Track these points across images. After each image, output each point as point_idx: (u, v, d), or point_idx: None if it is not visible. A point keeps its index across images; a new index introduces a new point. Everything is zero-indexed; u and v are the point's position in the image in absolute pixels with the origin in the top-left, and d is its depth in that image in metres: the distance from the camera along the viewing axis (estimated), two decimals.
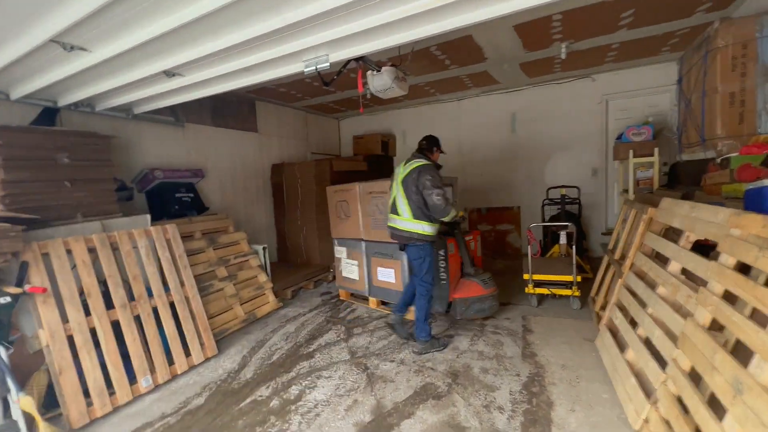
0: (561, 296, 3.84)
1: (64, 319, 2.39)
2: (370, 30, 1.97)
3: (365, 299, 4.25)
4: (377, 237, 3.92)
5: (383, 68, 3.03)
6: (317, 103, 6.19)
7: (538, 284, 3.76)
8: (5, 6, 1.67)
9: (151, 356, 2.73)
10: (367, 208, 3.98)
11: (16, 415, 2.00)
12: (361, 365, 2.86)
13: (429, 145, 3.11)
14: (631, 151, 4.12)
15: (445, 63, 4.46)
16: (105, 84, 2.69)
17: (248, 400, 2.50)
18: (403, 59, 3.32)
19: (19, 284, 2.22)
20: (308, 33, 2.04)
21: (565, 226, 4.17)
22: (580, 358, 2.73)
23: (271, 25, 1.84)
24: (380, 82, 3.07)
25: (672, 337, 1.90)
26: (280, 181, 5.71)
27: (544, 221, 5.17)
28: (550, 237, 5.06)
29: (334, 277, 5.31)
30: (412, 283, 3.22)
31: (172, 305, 3.00)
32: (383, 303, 4.11)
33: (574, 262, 3.56)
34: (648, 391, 1.95)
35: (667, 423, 1.70)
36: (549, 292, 3.74)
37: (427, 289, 2.97)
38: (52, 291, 2.37)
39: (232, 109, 5.21)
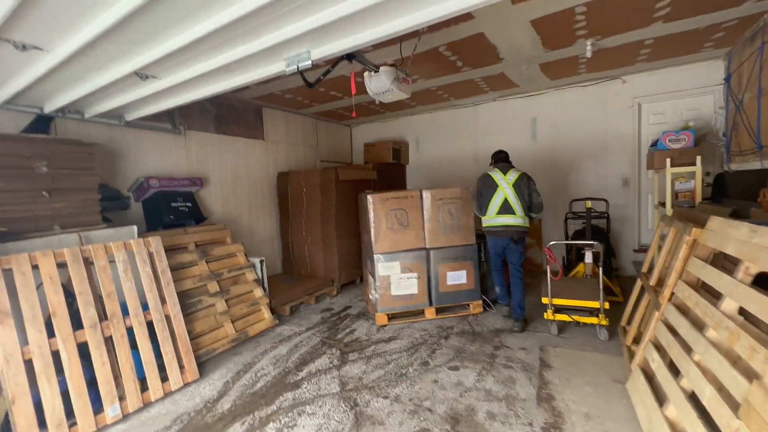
0: (586, 324, 3.37)
1: (24, 341, 2.20)
2: (348, 19, 1.67)
3: (417, 314, 3.98)
4: (445, 243, 3.98)
5: (381, 68, 2.75)
6: (327, 110, 5.98)
7: (559, 310, 3.32)
8: None
9: (122, 382, 2.51)
10: (437, 214, 3.97)
11: None
12: (350, 400, 2.53)
13: (508, 157, 3.86)
14: (668, 160, 3.63)
15: (456, 65, 4.12)
16: (81, 88, 2.53)
17: None
18: (405, 60, 3.03)
19: None
20: (281, 22, 1.77)
21: (591, 245, 3.69)
22: (607, 406, 2.29)
23: (231, 13, 1.59)
24: (378, 84, 2.79)
25: (729, 399, 1.48)
26: (285, 190, 5.50)
27: (567, 237, 4.69)
28: (574, 254, 4.58)
29: (337, 292, 5.02)
30: (501, 271, 3.84)
31: (150, 325, 2.78)
32: (438, 311, 3.98)
33: (602, 286, 3.10)
34: None
35: None
36: (571, 320, 3.29)
37: (522, 272, 3.64)
38: (12, 310, 2.19)
39: (237, 117, 5.06)
